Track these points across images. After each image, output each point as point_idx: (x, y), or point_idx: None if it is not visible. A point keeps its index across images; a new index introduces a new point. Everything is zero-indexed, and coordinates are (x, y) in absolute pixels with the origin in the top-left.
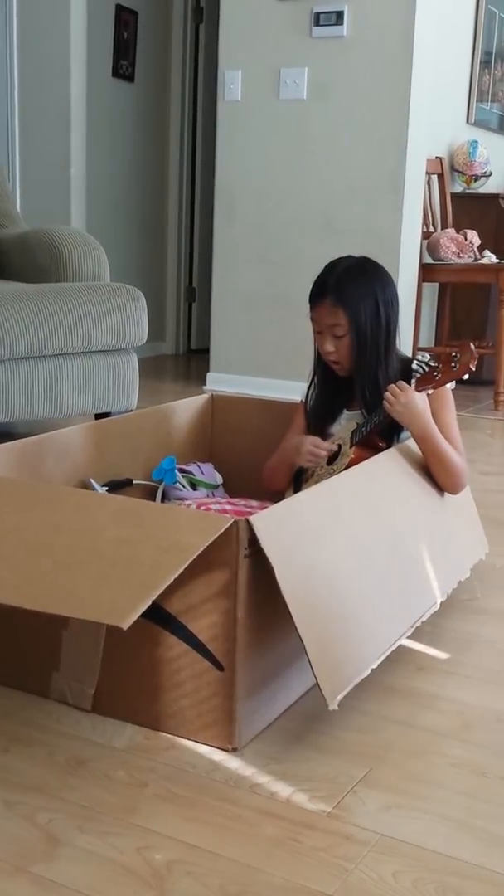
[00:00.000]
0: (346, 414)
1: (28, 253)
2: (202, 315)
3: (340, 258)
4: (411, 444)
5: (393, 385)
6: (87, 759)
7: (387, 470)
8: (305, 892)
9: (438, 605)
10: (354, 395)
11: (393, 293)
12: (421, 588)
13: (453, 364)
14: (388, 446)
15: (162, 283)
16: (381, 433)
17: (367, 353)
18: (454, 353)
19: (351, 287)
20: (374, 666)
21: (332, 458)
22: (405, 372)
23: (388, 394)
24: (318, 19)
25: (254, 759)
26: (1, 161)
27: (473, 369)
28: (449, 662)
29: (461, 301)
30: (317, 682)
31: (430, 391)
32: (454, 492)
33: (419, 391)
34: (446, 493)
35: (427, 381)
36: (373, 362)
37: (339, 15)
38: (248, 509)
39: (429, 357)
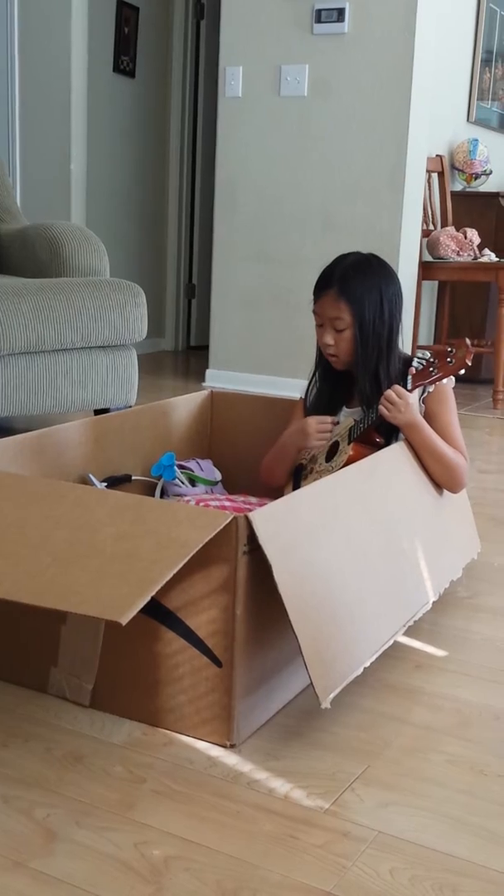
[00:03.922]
0: (345, 411)
1: (28, 248)
2: (202, 312)
3: (348, 253)
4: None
5: (388, 391)
6: (85, 754)
7: (385, 468)
8: (303, 889)
9: (431, 605)
10: (354, 393)
11: (397, 291)
12: (415, 587)
13: (449, 360)
14: (386, 442)
15: (162, 279)
16: (378, 429)
17: (369, 348)
18: (450, 349)
19: (356, 281)
20: (367, 664)
21: (331, 455)
22: (405, 370)
23: (383, 399)
24: (319, 16)
25: (252, 755)
26: (1, 156)
27: (469, 364)
28: (447, 660)
29: (461, 299)
30: (310, 680)
31: (430, 388)
32: (453, 489)
33: (415, 387)
34: (444, 492)
35: (423, 376)
36: (374, 358)
37: (341, 12)
38: (247, 506)
39: (429, 355)
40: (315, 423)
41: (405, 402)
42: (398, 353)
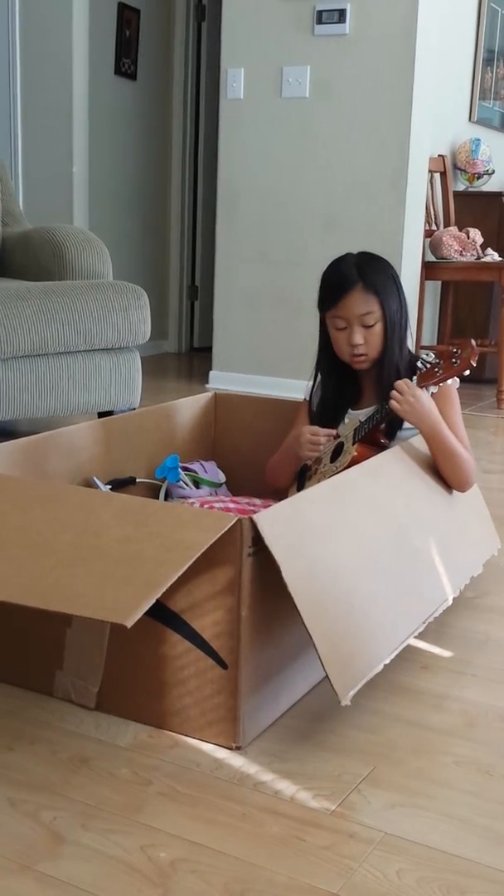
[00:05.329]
0: (350, 413)
1: (31, 251)
2: (205, 313)
3: (344, 255)
4: (415, 441)
5: (399, 382)
6: (91, 757)
7: (391, 467)
8: (310, 891)
9: (451, 601)
10: (360, 394)
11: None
12: (431, 585)
13: (454, 360)
14: (391, 443)
15: (164, 281)
16: (383, 431)
17: (395, 340)
18: (455, 350)
19: (376, 273)
20: (387, 661)
21: (335, 456)
22: (411, 369)
23: (394, 392)
24: (320, 17)
25: (258, 757)
26: (4, 159)
27: (475, 365)
28: (454, 661)
29: (464, 299)
30: (328, 678)
31: (433, 389)
32: (462, 489)
33: (421, 388)
34: (454, 491)
35: (428, 377)
36: (397, 351)
37: (342, 13)
38: (252, 508)
39: (433, 356)
40: (308, 434)
41: (412, 391)
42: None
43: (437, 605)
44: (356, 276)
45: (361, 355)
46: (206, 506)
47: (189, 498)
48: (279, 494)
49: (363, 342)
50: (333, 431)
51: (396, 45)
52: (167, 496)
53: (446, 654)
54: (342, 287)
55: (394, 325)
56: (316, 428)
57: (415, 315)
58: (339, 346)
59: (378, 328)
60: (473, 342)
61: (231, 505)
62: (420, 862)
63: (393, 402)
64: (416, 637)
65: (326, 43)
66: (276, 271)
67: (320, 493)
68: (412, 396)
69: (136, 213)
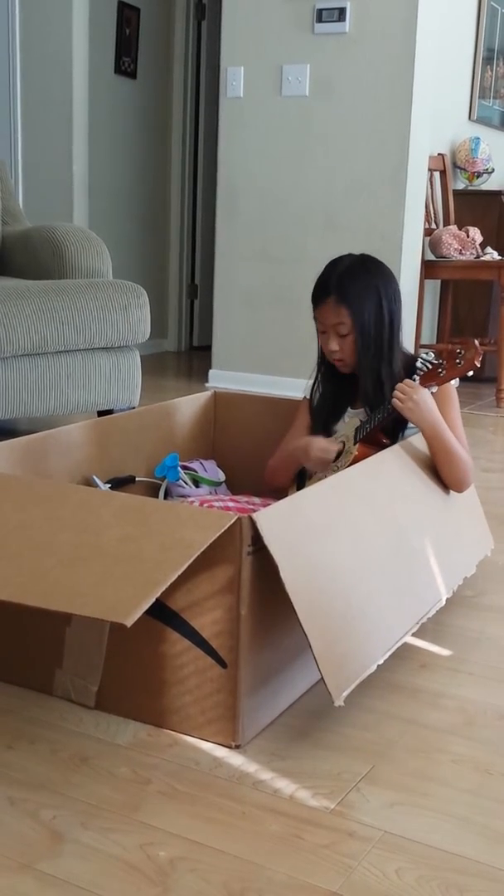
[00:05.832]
0: (350, 412)
1: (31, 250)
2: (204, 312)
3: (341, 257)
4: (414, 441)
5: (401, 384)
6: (91, 756)
7: (390, 467)
8: (309, 889)
9: (444, 602)
10: (359, 394)
11: (395, 289)
12: (426, 585)
13: (458, 361)
14: (392, 443)
15: (164, 279)
16: (384, 430)
17: (371, 350)
18: (458, 350)
19: (353, 285)
20: (381, 662)
21: (336, 455)
22: (410, 369)
23: (397, 392)
24: (320, 16)
25: (257, 755)
26: (3, 158)
27: (478, 366)
28: (452, 659)
29: (463, 298)
30: (322, 679)
31: (434, 388)
32: (460, 489)
33: (423, 388)
34: (451, 491)
35: (431, 377)
36: (376, 359)
37: (342, 11)
38: (251, 506)
39: (433, 355)
40: (318, 450)
41: (416, 391)
42: (401, 352)
43: (431, 604)
44: (330, 288)
45: (339, 360)
46: (205, 504)
47: (188, 497)
48: (279, 493)
49: (338, 349)
50: (340, 445)
51: (396, 43)
52: (167, 495)
53: (444, 652)
54: (317, 296)
55: (367, 338)
56: (324, 443)
57: (414, 314)
58: (322, 347)
59: (352, 338)
60: (477, 343)
61: (230, 504)
62: (419, 860)
63: (395, 402)
64: (413, 635)
65: (326, 41)
66: (276, 270)
67: (320, 492)
68: (415, 395)
69: (135, 212)
